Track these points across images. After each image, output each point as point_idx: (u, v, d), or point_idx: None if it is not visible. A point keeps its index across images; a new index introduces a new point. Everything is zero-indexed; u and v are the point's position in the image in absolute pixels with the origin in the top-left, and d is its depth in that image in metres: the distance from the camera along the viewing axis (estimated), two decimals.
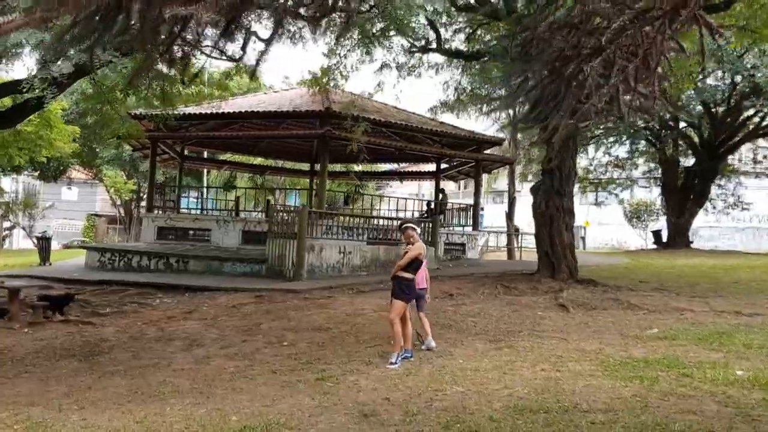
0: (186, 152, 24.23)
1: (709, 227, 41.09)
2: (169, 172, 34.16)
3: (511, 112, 25.82)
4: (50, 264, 21.25)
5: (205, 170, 35.26)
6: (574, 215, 14.12)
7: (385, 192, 42.46)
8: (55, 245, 26.41)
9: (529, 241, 30.53)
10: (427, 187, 53.77)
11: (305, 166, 28.53)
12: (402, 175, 28.02)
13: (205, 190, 30.70)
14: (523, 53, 5.28)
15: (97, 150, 34.46)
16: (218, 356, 8.43)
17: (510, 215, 26.91)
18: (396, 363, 7.26)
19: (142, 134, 17.86)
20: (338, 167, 27.60)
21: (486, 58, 18.20)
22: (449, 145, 21.21)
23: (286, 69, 34.89)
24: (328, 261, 15.97)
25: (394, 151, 21.17)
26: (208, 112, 18.19)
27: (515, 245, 26.65)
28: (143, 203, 42.14)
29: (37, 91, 6.56)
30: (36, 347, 9.46)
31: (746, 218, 41.28)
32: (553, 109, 4.79)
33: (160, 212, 20.92)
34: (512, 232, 26.97)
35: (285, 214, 16.73)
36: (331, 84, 17.65)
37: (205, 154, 29.56)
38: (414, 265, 7.66)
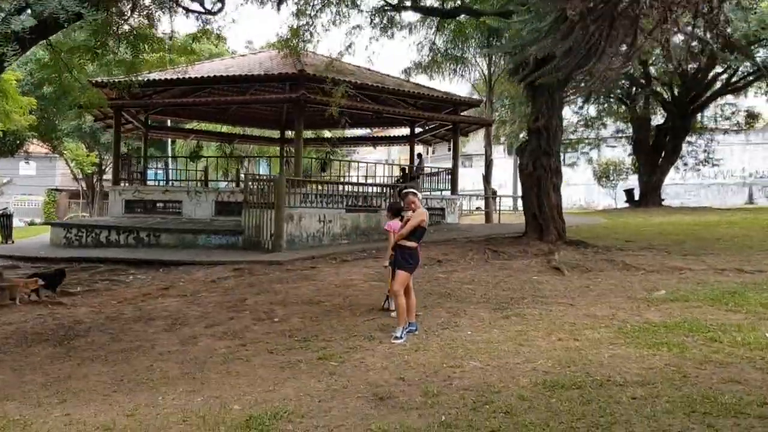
0: (149, 121, 23.19)
1: (674, 184, 41.37)
2: (130, 142, 32.89)
3: (486, 71, 25.34)
4: (13, 242, 20.27)
5: (170, 140, 34.07)
6: (561, 175, 13.76)
7: (352, 158, 41.73)
8: (15, 222, 25.20)
9: (506, 204, 30.36)
10: (396, 152, 53.19)
11: (275, 134, 27.72)
12: (375, 141, 27.40)
13: (171, 160, 29.64)
14: None
15: (56, 122, 32.95)
16: (205, 336, 7.88)
17: (487, 178, 26.56)
18: (401, 337, 6.81)
19: (105, 103, 16.85)
20: (309, 134, 26.87)
21: (463, 15, 17.64)
22: (425, 107, 20.63)
23: (248, 35, 33.75)
24: (307, 230, 15.40)
25: (370, 115, 20.51)
26: (175, 77, 17.24)
27: (493, 208, 26.34)
28: (106, 176, 40.79)
29: None
30: (5, 332, 8.77)
31: (711, 174, 41.65)
32: (588, 52, 4.28)
33: (127, 185, 20.01)
34: (489, 195, 26.64)
35: (261, 183, 16.03)
36: (302, 46, 16.90)
37: (169, 123, 28.46)
38: (417, 233, 7.17)
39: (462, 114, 20.83)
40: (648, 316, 7.18)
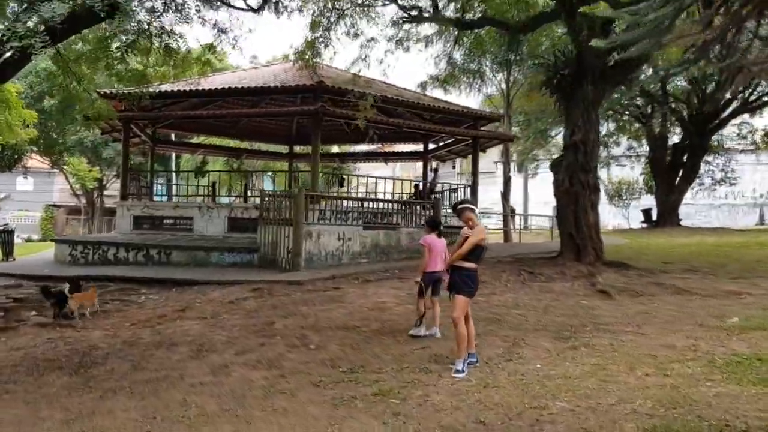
0: (157, 135, 22.52)
1: (684, 204, 40.90)
2: (131, 157, 32.17)
3: (504, 86, 24.78)
4: (14, 259, 19.48)
5: (174, 154, 33.37)
6: (599, 193, 13.10)
7: (354, 174, 40.96)
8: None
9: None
10: (400, 169, 52.55)
11: (282, 148, 27.05)
12: (387, 156, 26.71)
13: (177, 175, 28.93)
14: None
15: (55, 136, 32.27)
16: (237, 364, 7.12)
17: (506, 195, 25.88)
18: (463, 371, 6.09)
19: (114, 115, 16.20)
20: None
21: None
22: (443, 121, 19.99)
23: (253, 50, 33.25)
24: (326, 248, 14.69)
25: (391, 129, 19.81)
26: (187, 89, 16.61)
27: (512, 227, 25.64)
28: (106, 192, 40.06)
29: (21, 40, 5.05)
30: (13, 359, 8.01)
31: (722, 195, 41.09)
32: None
33: (135, 200, 19.26)
34: (508, 213, 25.93)
35: (278, 199, 15.35)
36: (318, 58, 16.35)
37: (173, 137, 27.74)
38: (477, 252, 6.46)
39: (481, 129, 20.18)
40: (733, 346, 6.48)
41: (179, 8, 6.82)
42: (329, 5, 15.89)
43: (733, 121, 29.89)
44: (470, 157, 23.92)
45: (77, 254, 16.14)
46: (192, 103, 18.91)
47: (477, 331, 7.68)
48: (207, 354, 7.68)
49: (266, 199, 15.42)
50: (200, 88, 16.87)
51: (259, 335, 8.51)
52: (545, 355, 6.61)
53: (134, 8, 6.00)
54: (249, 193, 24.70)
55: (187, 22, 8.10)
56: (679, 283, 10.65)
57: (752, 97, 27.72)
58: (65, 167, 37.98)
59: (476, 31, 19.38)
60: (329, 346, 7.64)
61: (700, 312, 8.43)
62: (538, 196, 40.32)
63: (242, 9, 9.30)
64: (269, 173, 31.64)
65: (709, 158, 30.37)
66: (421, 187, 22.77)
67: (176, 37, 7.99)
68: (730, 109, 28.10)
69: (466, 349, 6.30)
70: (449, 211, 20.70)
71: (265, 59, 27.20)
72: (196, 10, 7.44)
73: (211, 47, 15.11)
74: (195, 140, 27.20)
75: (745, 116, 29.77)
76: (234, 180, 29.31)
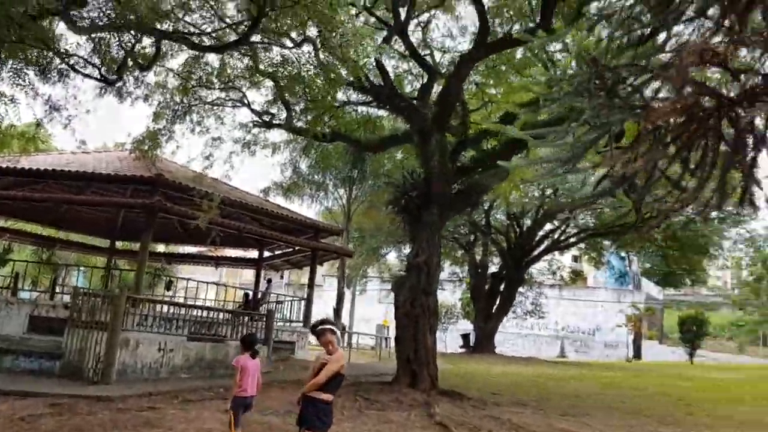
0: None
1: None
2: None
3: (344, 201, 25.03)
4: None
5: None
6: (437, 318, 13.12)
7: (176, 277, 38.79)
8: None
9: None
10: (226, 274, 50.81)
11: (102, 242, 24.92)
12: (218, 260, 25.49)
13: None
14: (609, 95, 3.99)
15: None
16: None
17: (338, 311, 25.48)
18: None
19: None
20: (136, 246, 24.42)
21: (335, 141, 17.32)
22: (284, 229, 19.51)
23: (85, 136, 31.21)
24: (144, 359, 13.20)
25: (234, 232, 18.87)
26: (4, 166, 14.79)
27: (342, 345, 25.04)
28: None
29: None
30: None
31: (528, 326, 43.84)
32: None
33: None
34: (339, 330, 25.38)
35: (93, 299, 13.74)
36: (159, 151, 15.53)
37: None
38: (336, 381, 5.90)
39: (321, 241, 19.95)
40: None
41: (16, 72, 5.80)
42: (177, 98, 15.35)
43: (545, 257, 32.55)
44: (303, 268, 23.56)
45: None
46: (5, 182, 16.89)
47: None
48: None
49: (80, 297, 13.74)
50: (19, 166, 15.21)
51: None
52: None
53: None
54: (57, 289, 22.19)
55: (21, 86, 7.07)
56: (514, 418, 10.65)
57: (562, 237, 30.42)
58: None
59: (324, 144, 19.64)
60: None
61: None
62: (362, 312, 40.57)
63: (96, 79, 8.43)
64: (83, 268, 28.89)
65: (522, 289, 32.45)
66: (251, 296, 21.82)
67: (5, 100, 6.86)
68: (543, 246, 30.54)
69: None
70: (279, 324, 19.94)
71: (93, 146, 25.25)
72: (36, 74, 6.50)
73: (38, 124, 13.77)
74: (0, 224, 24.28)
75: (556, 253, 32.57)
76: (42, 273, 26.34)
